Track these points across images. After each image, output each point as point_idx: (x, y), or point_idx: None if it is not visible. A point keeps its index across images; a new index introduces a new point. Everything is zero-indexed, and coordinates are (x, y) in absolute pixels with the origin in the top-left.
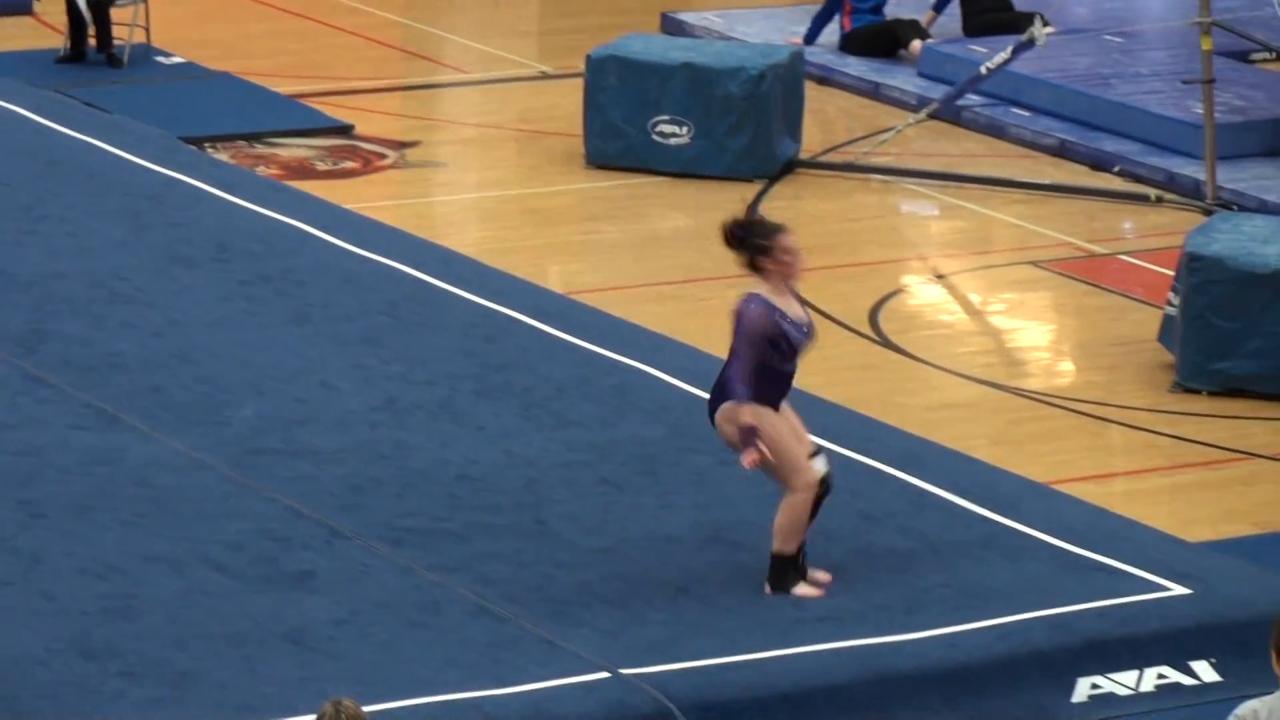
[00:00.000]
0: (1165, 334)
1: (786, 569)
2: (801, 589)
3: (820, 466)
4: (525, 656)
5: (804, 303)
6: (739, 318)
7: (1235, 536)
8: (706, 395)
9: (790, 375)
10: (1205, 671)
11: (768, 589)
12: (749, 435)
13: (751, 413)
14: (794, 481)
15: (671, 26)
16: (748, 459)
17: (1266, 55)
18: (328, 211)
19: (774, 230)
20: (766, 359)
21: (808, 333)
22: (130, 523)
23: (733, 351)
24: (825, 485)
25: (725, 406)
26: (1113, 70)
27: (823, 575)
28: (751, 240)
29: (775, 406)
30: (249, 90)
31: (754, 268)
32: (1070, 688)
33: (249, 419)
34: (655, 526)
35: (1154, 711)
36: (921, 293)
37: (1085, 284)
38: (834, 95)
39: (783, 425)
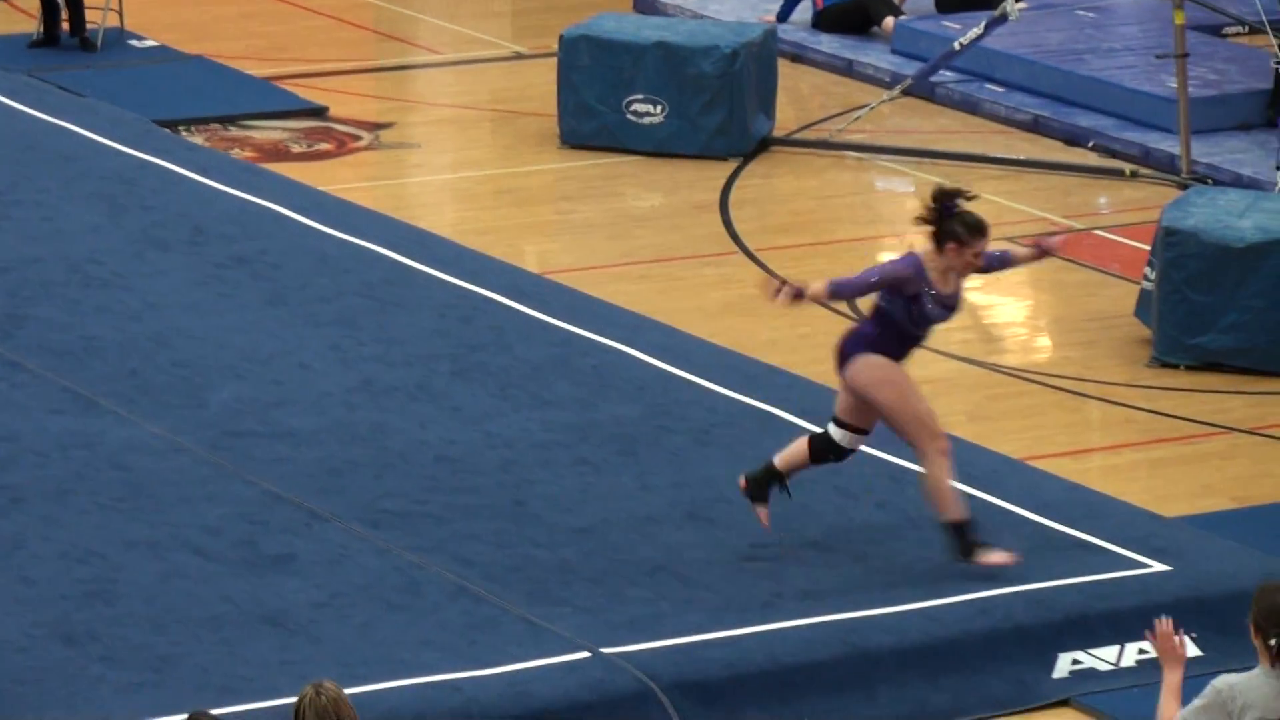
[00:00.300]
0: (1142, 309)
1: (966, 535)
2: (989, 556)
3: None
4: (505, 637)
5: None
6: (874, 266)
7: (1213, 511)
8: (684, 374)
9: (916, 341)
10: (1186, 646)
11: (959, 558)
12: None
13: (884, 363)
14: (921, 441)
15: (644, 5)
16: (881, 412)
17: (1239, 29)
18: (303, 194)
19: (978, 228)
20: (898, 318)
21: (950, 307)
22: (109, 507)
23: (875, 308)
24: (841, 451)
25: (859, 359)
26: (1086, 45)
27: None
28: (952, 223)
29: (899, 360)
30: (223, 73)
31: (936, 240)
32: (1051, 663)
33: (227, 402)
34: (634, 505)
35: (1135, 686)
36: None
37: (1061, 259)
38: (807, 73)
39: (908, 379)
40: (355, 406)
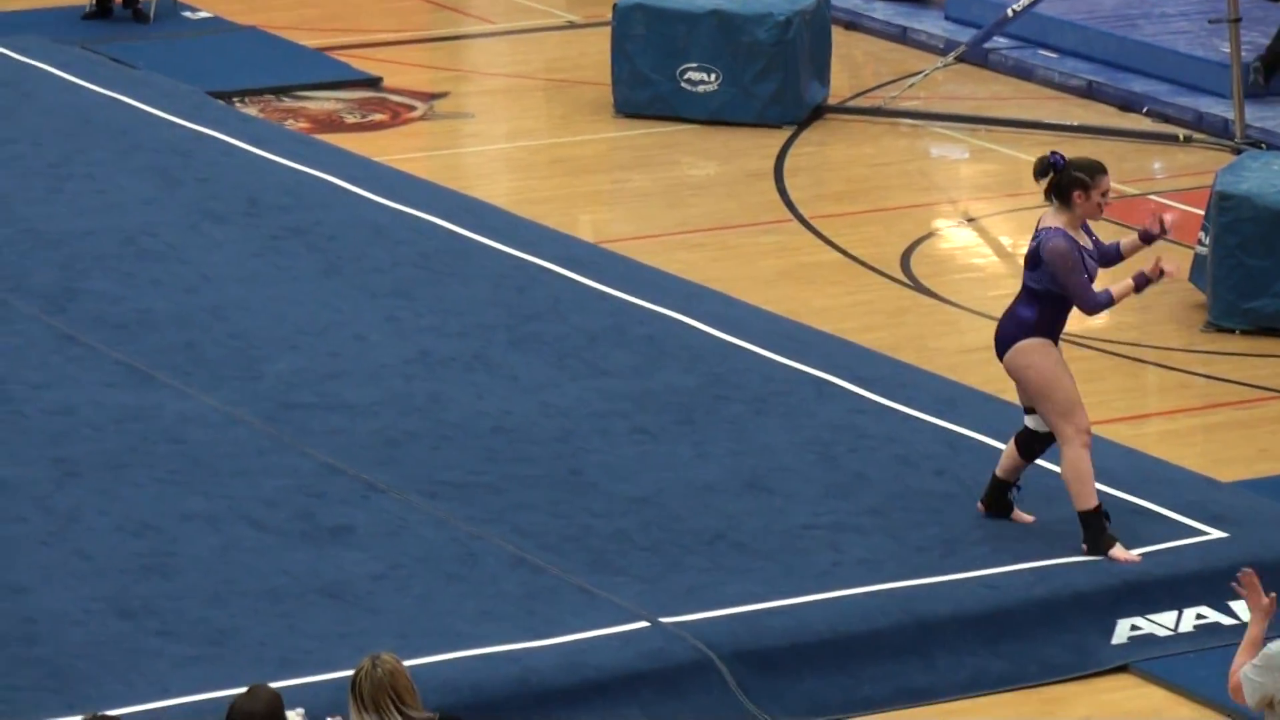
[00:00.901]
0: (1197, 273)
1: (1096, 526)
2: (1118, 551)
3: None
4: (563, 607)
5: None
6: (1047, 254)
7: (1270, 475)
8: (740, 343)
9: (1071, 306)
10: (1244, 611)
11: (1090, 549)
12: (1143, 281)
13: (1043, 344)
14: (1065, 427)
15: None
16: (1029, 396)
17: None
18: (357, 164)
19: (1098, 168)
20: (1049, 287)
21: (1102, 258)
22: (165, 480)
23: (1027, 287)
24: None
25: (1022, 344)
26: (1139, 10)
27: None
28: (1072, 172)
29: (1056, 340)
30: (276, 44)
31: (1061, 198)
32: (1110, 629)
33: (283, 373)
34: (691, 475)
35: (1193, 651)
36: (952, 236)
37: (1116, 224)
38: (861, 40)
39: (1062, 365)
40: (412, 377)
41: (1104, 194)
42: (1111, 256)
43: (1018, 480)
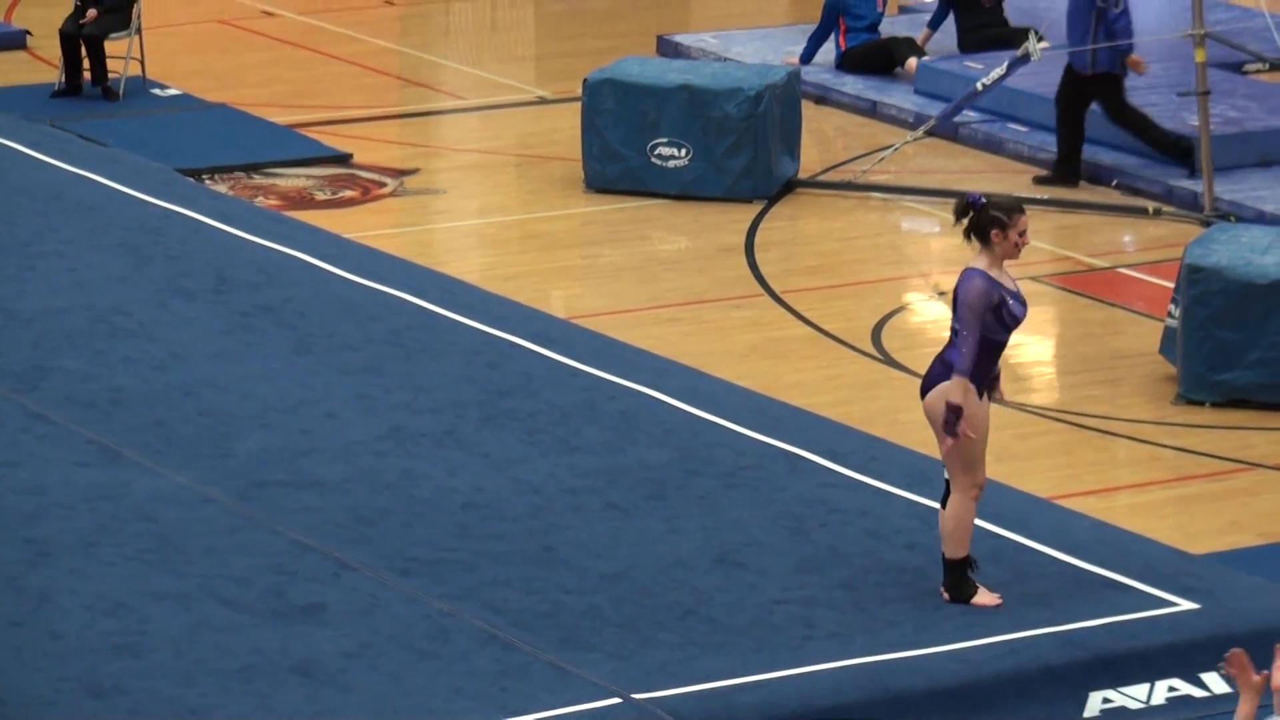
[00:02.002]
0: (1167, 346)
1: (961, 575)
2: (980, 597)
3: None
4: (535, 684)
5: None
6: (962, 293)
7: (1241, 547)
8: (712, 418)
9: (1002, 347)
10: (1216, 683)
11: (945, 596)
12: (953, 415)
13: (963, 390)
14: (963, 478)
15: (667, 48)
16: (945, 446)
17: (1260, 66)
18: (328, 241)
19: (1016, 208)
20: (988, 330)
21: (1024, 301)
22: (136, 559)
23: (955, 330)
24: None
25: (941, 386)
26: None
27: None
28: (990, 211)
29: (980, 386)
30: (246, 121)
31: (980, 238)
32: (1082, 702)
33: (254, 451)
34: (663, 550)
35: None
36: (924, 310)
37: (1086, 298)
38: (831, 114)
39: (982, 418)
40: (383, 454)
41: (1021, 233)
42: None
43: (966, 553)
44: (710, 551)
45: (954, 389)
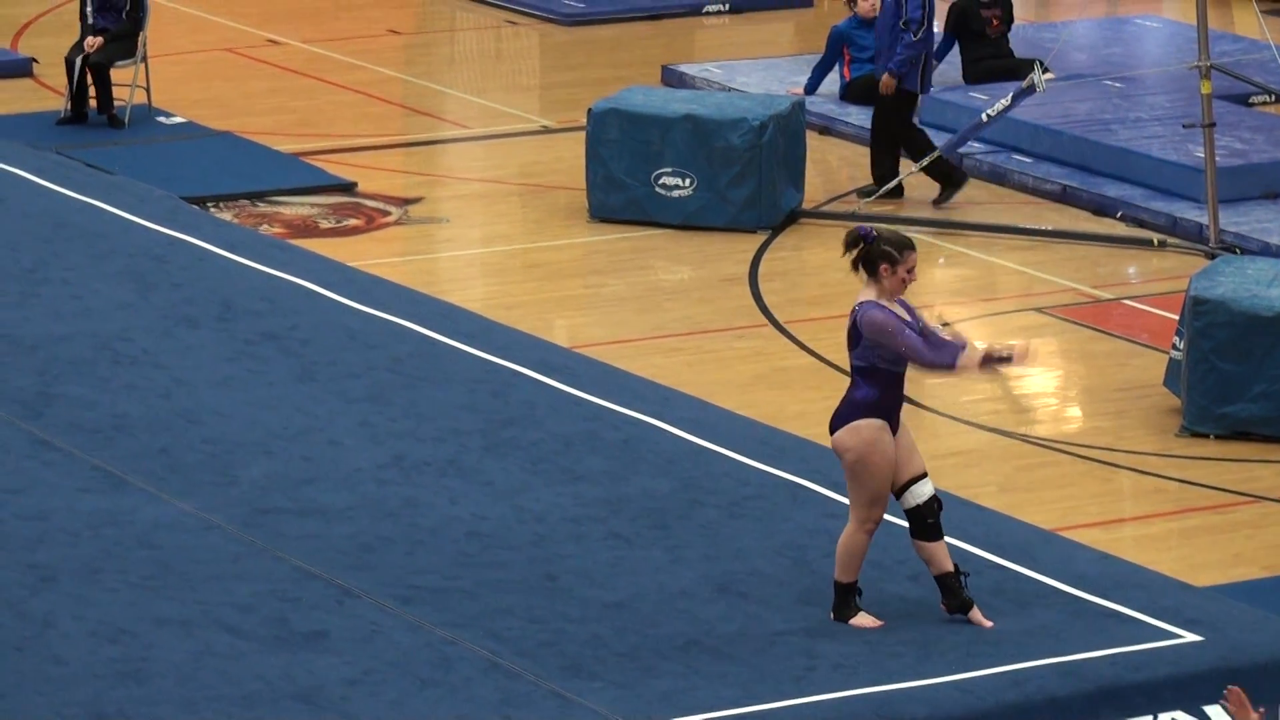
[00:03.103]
0: (1171, 378)
1: (845, 597)
2: (859, 619)
3: (925, 490)
4: (538, 713)
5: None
6: (865, 324)
7: (1244, 580)
8: (715, 447)
9: (902, 378)
10: (1219, 716)
11: (831, 616)
12: (996, 358)
13: (875, 428)
14: (862, 512)
15: (672, 79)
16: (851, 482)
17: (1265, 98)
18: (332, 269)
19: (907, 244)
20: (887, 363)
21: (920, 332)
22: (139, 585)
23: (856, 368)
24: (937, 504)
25: (853, 423)
26: (1113, 115)
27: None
28: (881, 245)
29: (891, 419)
30: (251, 149)
31: (869, 271)
32: None
33: (257, 479)
34: (666, 579)
35: None
36: None
37: (1090, 329)
38: (836, 145)
39: (887, 455)
40: (386, 482)
41: (909, 270)
42: (944, 351)
43: (957, 569)
44: (713, 581)
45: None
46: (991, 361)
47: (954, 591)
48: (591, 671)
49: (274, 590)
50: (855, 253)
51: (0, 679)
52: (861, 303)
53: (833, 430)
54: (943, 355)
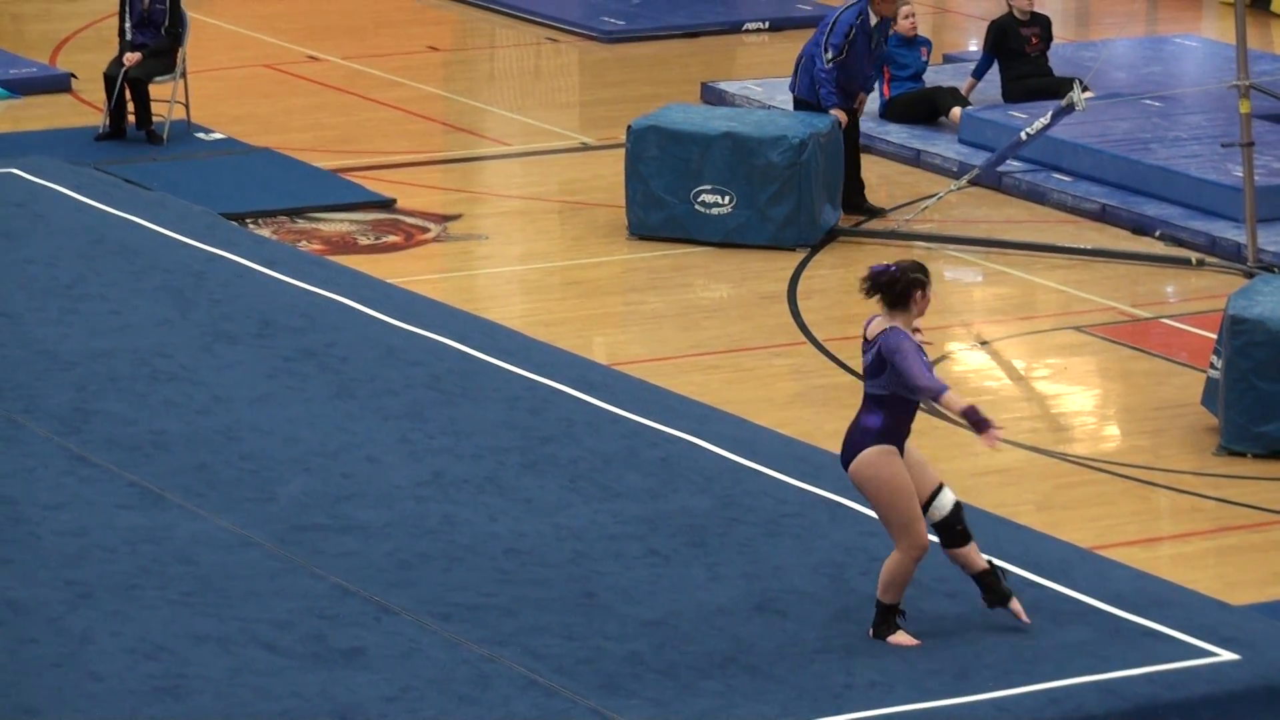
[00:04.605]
0: (1209, 397)
1: (886, 616)
2: (897, 637)
3: (948, 500)
4: None
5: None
6: (897, 353)
7: None
8: (754, 465)
9: (916, 405)
10: None
11: (870, 633)
12: (975, 416)
13: (888, 453)
14: (902, 541)
15: (712, 96)
16: (880, 511)
17: None
18: (371, 286)
19: (924, 267)
20: (904, 390)
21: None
22: (178, 601)
23: (871, 396)
24: (958, 511)
25: (867, 451)
26: (1152, 134)
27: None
28: (911, 274)
29: (901, 446)
30: (290, 165)
31: (900, 303)
32: None
33: (295, 495)
34: (705, 597)
35: None
36: (966, 359)
37: (1129, 348)
38: (875, 163)
39: (906, 477)
40: (424, 499)
41: (929, 292)
42: (936, 380)
43: (986, 565)
44: (751, 599)
45: (951, 401)
46: (970, 415)
47: (993, 587)
48: (629, 689)
49: (312, 607)
50: (886, 287)
51: (38, 695)
52: (890, 331)
53: (846, 460)
54: (936, 382)
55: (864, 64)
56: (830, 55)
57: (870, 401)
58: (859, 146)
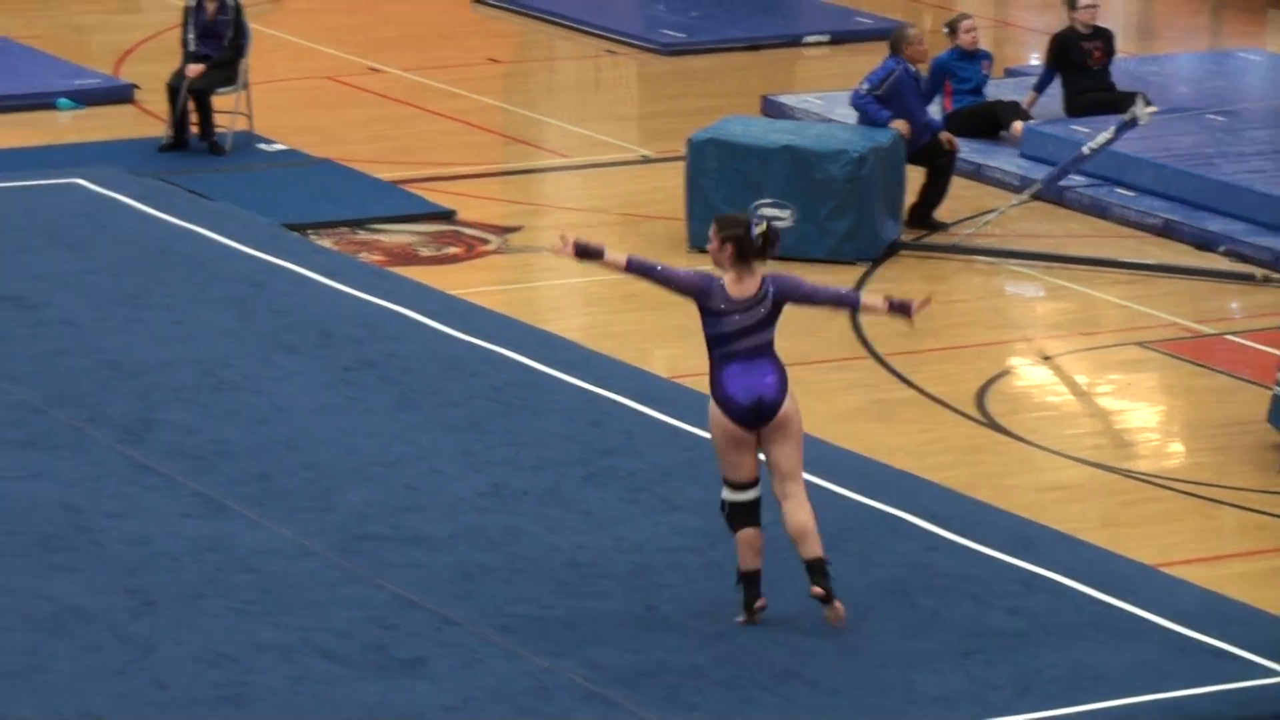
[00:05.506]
0: (1274, 414)
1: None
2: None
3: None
4: None
5: None
6: (792, 280)
7: None
8: (814, 479)
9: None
10: None
11: (824, 595)
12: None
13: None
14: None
15: (772, 109)
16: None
17: None
18: (431, 297)
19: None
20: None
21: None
22: (240, 610)
23: (771, 344)
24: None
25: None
26: (1216, 149)
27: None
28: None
29: None
30: (351, 177)
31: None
32: None
33: (356, 505)
34: (765, 611)
35: None
36: (1028, 374)
37: (1193, 364)
38: None
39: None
40: (485, 511)
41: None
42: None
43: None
44: (812, 613)
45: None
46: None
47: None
48: (690, 702)
49: (373, 617)
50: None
51: (103, 703)
52: (776, 276)
53: (781, 398)
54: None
55: (916, 109)
56: (867, 87)
57: (771, 346)
58: (952, 168)
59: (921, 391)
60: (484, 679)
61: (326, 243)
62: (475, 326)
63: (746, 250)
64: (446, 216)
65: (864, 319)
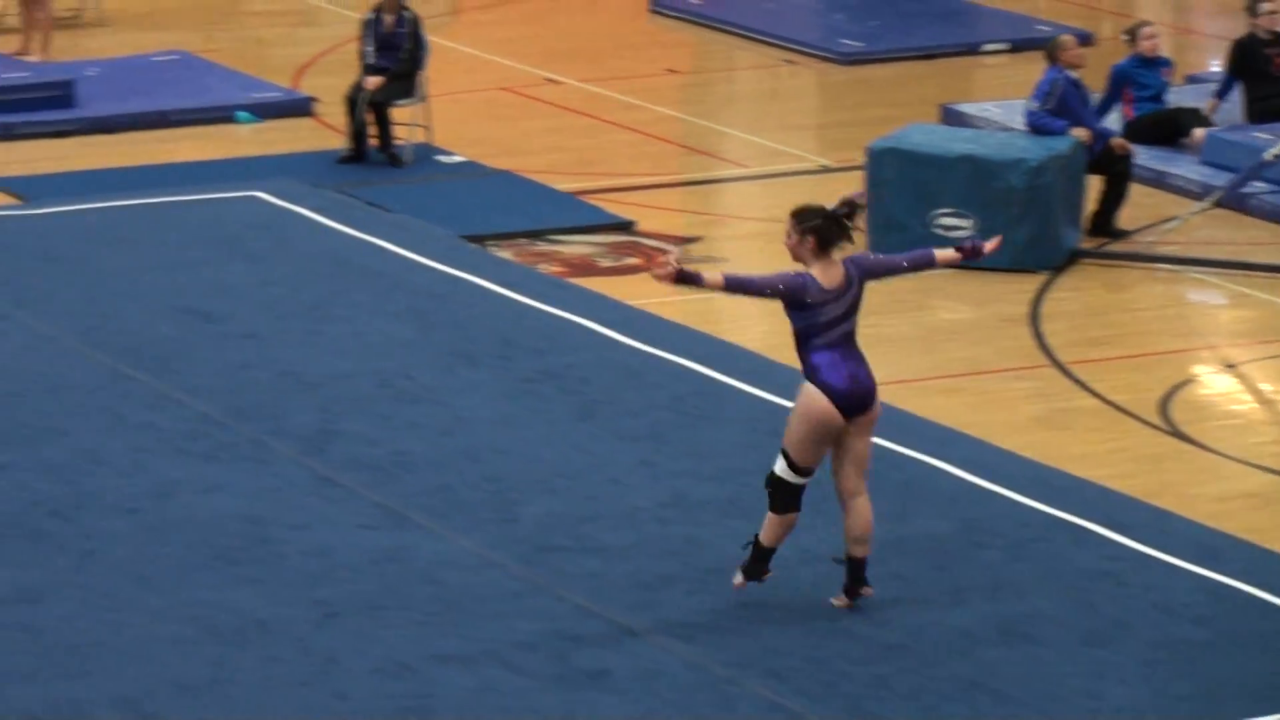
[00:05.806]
0: None
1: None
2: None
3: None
4: None
5: None
6: (868, 259)
7: None
8: (996, 488)
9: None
10: None
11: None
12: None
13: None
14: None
15: (952, 118)
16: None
17: None
18: (611, 308)
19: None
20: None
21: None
22: (422, 622)
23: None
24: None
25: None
26: None
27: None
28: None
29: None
30: (529, 188)
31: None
32: None
33: (538, 516)
34: (948, 620)
35: None
36: (1212, 382)
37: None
38: None
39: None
40: (667, 521)
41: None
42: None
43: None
44: (995, 623)
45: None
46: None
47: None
48: (873, 712)
49: (555, 628)
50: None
51: (285, 713)
52: (853, 259)
53: (875, 386)
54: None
55: (1085, 115)
56: (1037, 104)
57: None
58: (1129, 173)
59: (1104, 400)
60: (666, 690)
61: (505, 254)
62: (655, 337)
63: (829, 239)
64: (625, 227)
65: (1046, 328)
